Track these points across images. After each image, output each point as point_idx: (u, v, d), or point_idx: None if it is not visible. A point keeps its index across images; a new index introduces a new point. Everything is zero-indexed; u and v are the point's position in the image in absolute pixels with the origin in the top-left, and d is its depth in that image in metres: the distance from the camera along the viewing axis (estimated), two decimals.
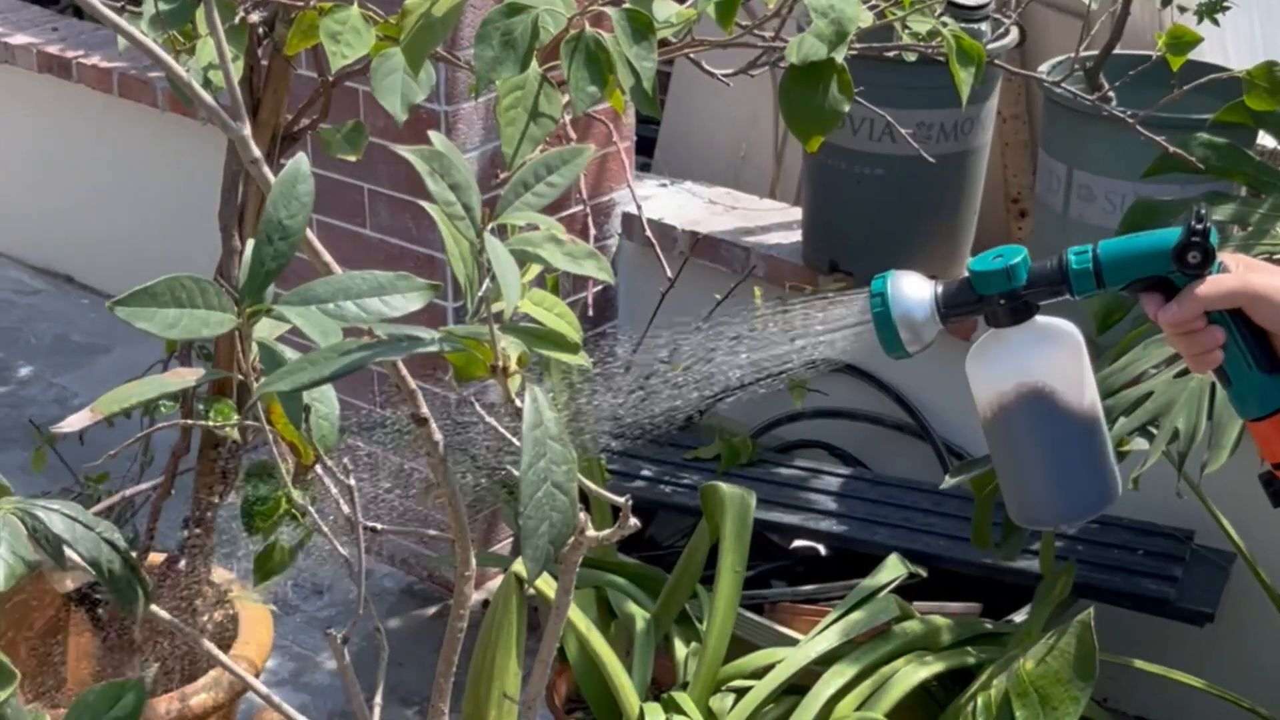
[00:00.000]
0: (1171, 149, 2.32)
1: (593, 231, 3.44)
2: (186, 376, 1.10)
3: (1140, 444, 2.33)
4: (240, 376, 1.12)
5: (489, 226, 1.06)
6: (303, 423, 1.13)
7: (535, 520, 1.03)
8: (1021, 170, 3.71)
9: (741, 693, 2.51)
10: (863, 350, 1.49)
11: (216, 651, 1.46)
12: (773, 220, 3.43)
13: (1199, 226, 1.37)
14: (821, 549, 3.12)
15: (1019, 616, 2.72)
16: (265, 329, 1.20)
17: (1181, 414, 2.26)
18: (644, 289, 3.37)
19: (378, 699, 1.46)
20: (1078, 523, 1.53)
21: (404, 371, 1.33)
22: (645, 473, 3.15)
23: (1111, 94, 2.80)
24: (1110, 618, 2.83)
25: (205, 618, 2.18)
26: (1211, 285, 1.38)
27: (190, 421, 1.64)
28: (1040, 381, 1.43)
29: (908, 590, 2.81)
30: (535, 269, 1.24)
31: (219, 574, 2.21)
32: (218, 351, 1.99)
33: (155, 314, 1.02)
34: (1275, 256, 2.29)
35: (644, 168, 3.90)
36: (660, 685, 2.60)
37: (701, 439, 3.23)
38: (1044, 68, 2.96)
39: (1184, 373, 2.28)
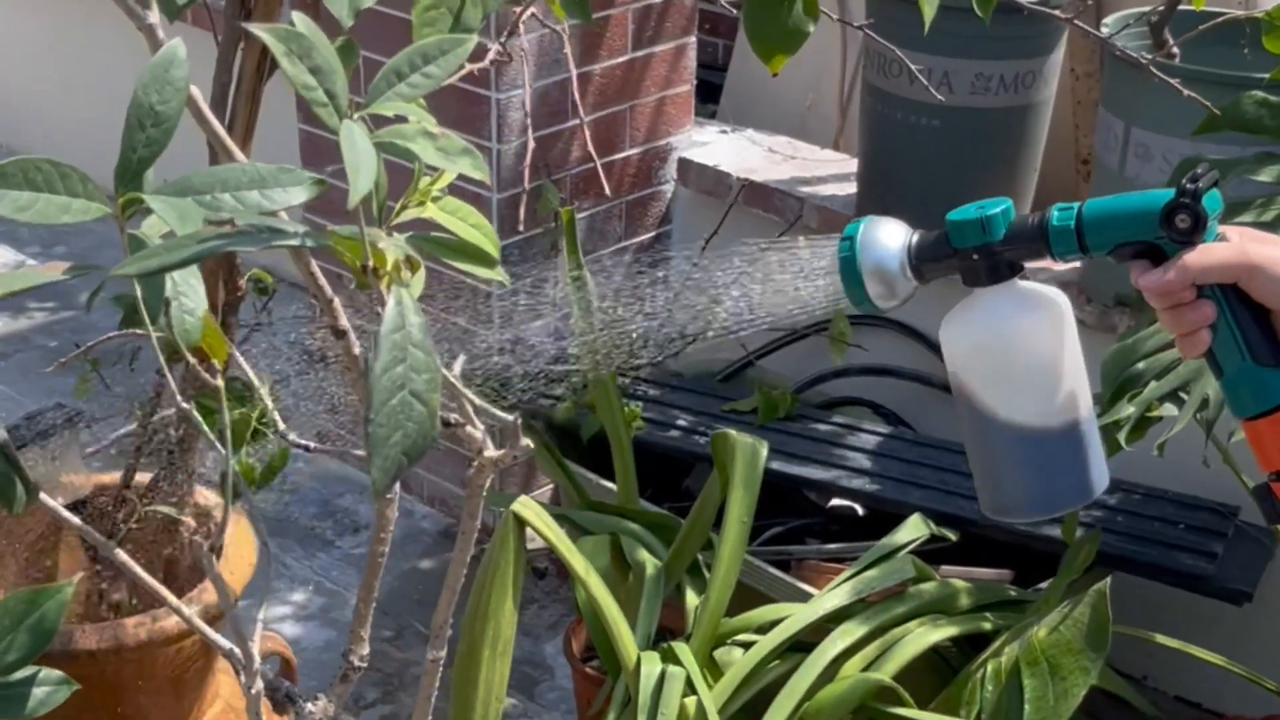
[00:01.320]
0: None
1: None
2: (55, 270, 1.06)
3: (1171, 410, 2.24)
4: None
5: (357, 116, 1.00)
6: (162, 315, 1.09)
7: (387, 429, 0.97)
8: (1093, 130, 3.58)
9: (749, 647, 2.45)
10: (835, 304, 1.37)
11: (145, 575, 1.42)
12: (830, 171, 3.35)
13: (1190, 186, 1.22)
14: (859, 508, 3.05)
15: (1047, 585, 2.64)
16: (155, 226, 1.16)
17: (1213, 381, 2.16)
18: (700, 235, 3.31)
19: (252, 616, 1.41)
20: (1048, 517, 1.39)
21: (321, 280, 1.28)
22: (681, 423, 3.09)
23: (1175, 50, 2.69)
24: (1151, 592, 2.73)
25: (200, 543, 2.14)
26: (1203, 254, 1.22)
27: (110, 335, 1.60)
28: None
29: (940, 554, 2.74)
30: (448, 176, 1.18)
31: (208, 497, 2.18)
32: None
33: (4, 195, 0.98)
34: None
35: (711, 115, 3.83)
36: (675, 634, 2.55)
37: (742, 391, 3.17)
38: (1108, 20, 2.85)
39: None
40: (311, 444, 1.36)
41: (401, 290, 1.00)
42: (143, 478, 2.12)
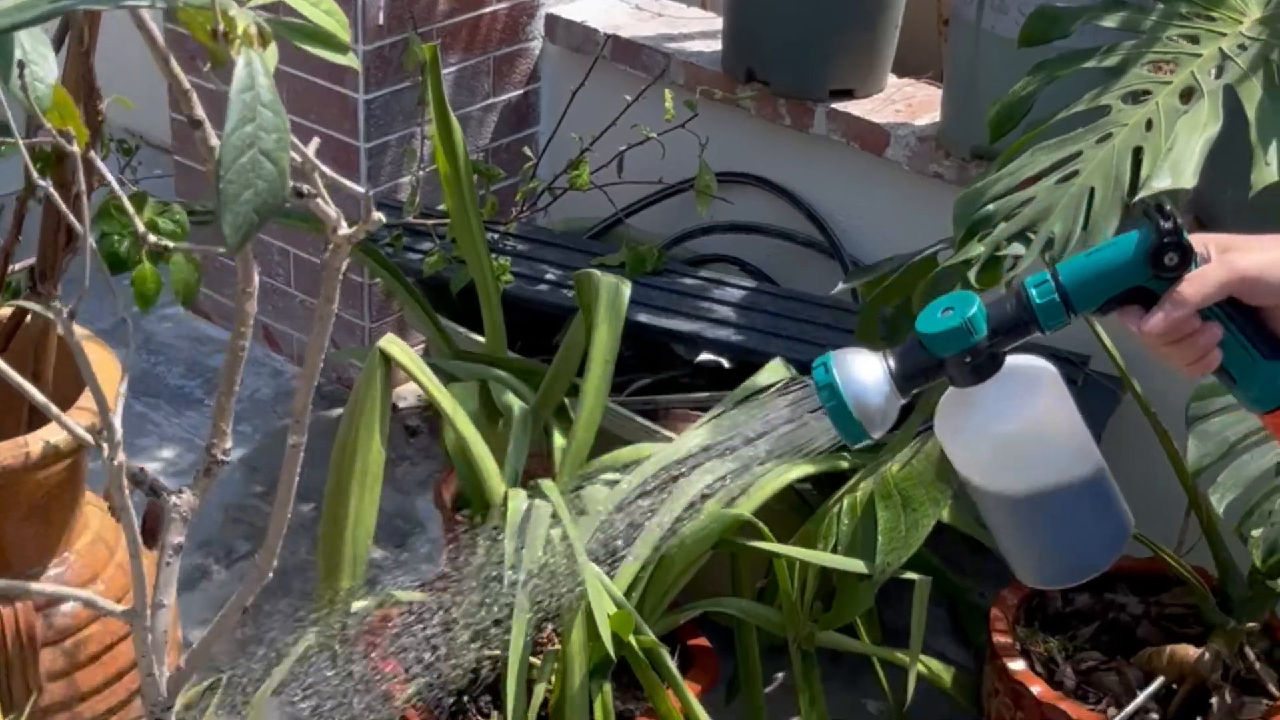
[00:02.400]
0: None
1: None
2: None
3: (1019, 249, 2.30)
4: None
5: None
6: (15, 78, 1.10)
7: (238, 186, 0.99)
8: None
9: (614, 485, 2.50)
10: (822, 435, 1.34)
11: (7, 368, 1.44)
12: (697, 28, 3.38)
13: (1168, 225, 1.24)
14: (725, 362, 3.10)
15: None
16: None
17: (1058, 220, 2.21)
18: (567, 93, 3.32)
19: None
20: (1102, 571, 1.43)
21: (175, 68, 1.29)
22: (550, 277, 3.13)
23: None
24: None
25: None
26: (1198, 283, 1.24)
27: None
28: None
29: None
30: None
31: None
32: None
33: None
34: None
35: None
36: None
37: (612, 248, 3.20)
38: None
39: (1068, 178, 2.24)
40: (171, 244, 1.38)
41: (251, 53, 1.02)
42: (4, 311, 2.12)
